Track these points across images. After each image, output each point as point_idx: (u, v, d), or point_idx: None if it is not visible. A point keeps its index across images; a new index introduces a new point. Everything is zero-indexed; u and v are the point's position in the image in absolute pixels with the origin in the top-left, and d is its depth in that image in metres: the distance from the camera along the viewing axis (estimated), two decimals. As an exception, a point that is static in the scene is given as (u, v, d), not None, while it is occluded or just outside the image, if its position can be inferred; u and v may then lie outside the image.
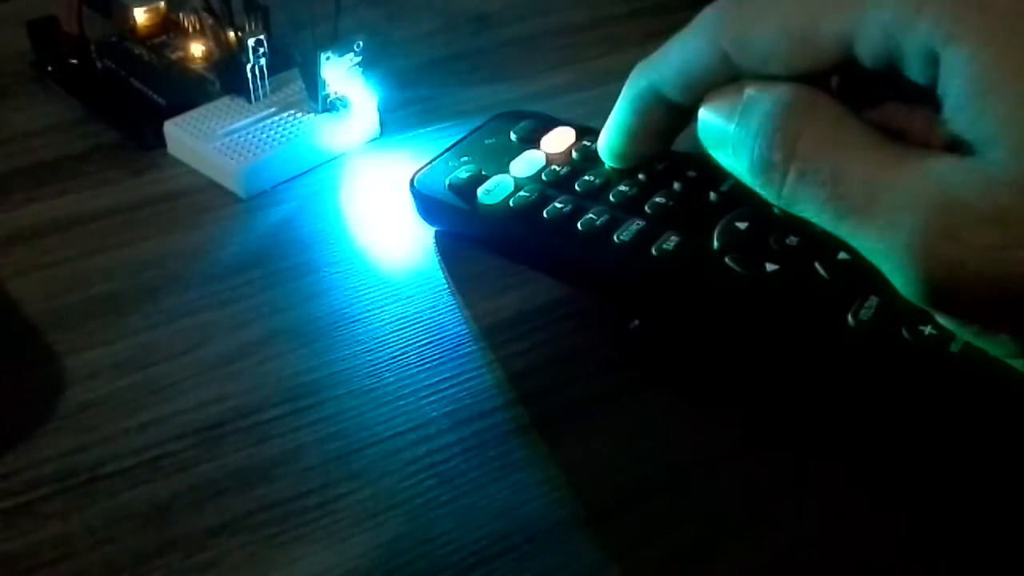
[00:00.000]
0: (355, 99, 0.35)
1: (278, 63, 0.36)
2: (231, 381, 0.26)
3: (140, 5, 0.40)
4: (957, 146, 0.19)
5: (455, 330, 0.28)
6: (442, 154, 0.32)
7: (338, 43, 0.34)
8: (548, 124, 0.32)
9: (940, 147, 0.19)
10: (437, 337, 0.28)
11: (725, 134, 0.22)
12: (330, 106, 0.35)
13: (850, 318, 0.24)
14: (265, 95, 0.36)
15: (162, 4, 0.40)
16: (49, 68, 0.40)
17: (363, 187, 0.34)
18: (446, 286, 0.29)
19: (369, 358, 0.27)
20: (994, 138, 0.18)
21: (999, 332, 0.19)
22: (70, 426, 0.25)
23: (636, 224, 0.28)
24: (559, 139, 0.31)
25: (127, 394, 0.26)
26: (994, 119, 0.18)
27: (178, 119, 0.35)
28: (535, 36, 0.43)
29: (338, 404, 0.26)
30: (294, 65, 0.35)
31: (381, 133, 0.36)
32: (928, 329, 0.23)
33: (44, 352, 0.27)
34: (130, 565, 0.22)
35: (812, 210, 0.21)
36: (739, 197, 0.26)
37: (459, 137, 0.32)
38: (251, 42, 0.34)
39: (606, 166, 0.29)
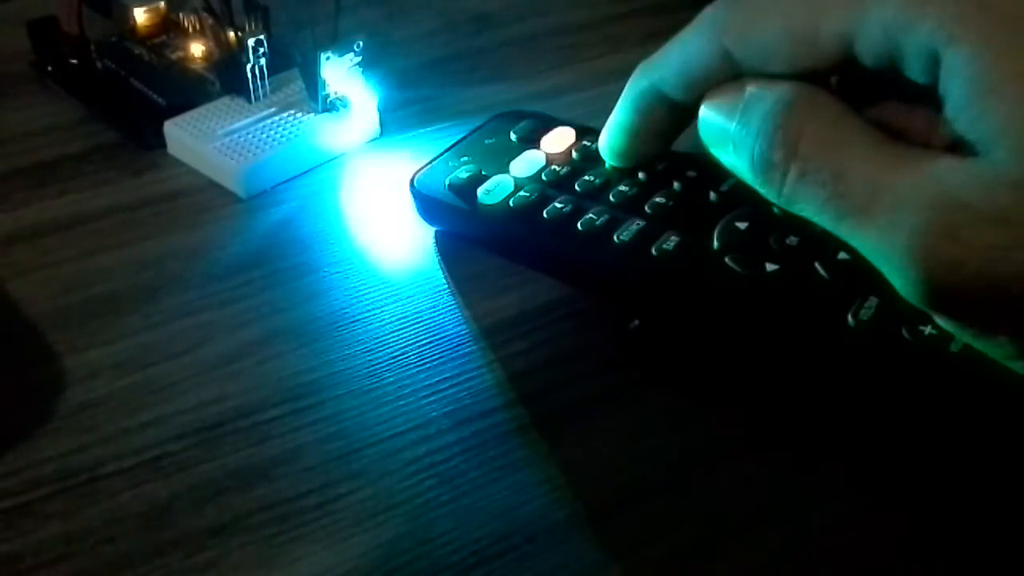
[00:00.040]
0: (355, 99, 0.35)
1: (278, 63, 0.36)
2: (231, 381, 0.26)
3: (140, 5, 0.40)
4: (958, 146, 0.19)
5: (455, 330, 0.28)
6: (442, 154, 0.32)
7: (338, 43, 0.34)
8: (548, 124, 0.32)
9: (940, 147, 0.19)
10: (437, 337, 0.28)
11: (726, 132, 0.22)
12: (330, 106, 0.35)
13: (850, 318, 0.24)
14: (265, 95, 0.36)
15: (162, 4, 0.40)
16: (49, 68, 0.40)
17: (363, 187, 0.34)
18: (446, 286, 0.29)
19: (369, 358, 0.27)
20: (995, 138, 0.18)
21: (998, 334, 0.19)
22: (70, 426, 0.25)
23: (636, 224, 0.28)
24: (559, 139, 0.31)
25: (127, 394, 0.26)
26: (995, 120, 0.18)
27: (178, 119, 0.35)
28: (535, 36, 0.43)
29: (338, 404, 0.26)
30: (294, 65, 0.35)
31: (381, 133, 0.36)
32: (928, 329, 0.23)
33: (44, 352, 0.27)
34: (130, 565, 0.22)
35: (812, 209, 0.21)
36: (739, 197, 0.26)
37: (459, 137, 0.32)
38: (251, 42, 0.34)
39: (607, 165, 0.29)
